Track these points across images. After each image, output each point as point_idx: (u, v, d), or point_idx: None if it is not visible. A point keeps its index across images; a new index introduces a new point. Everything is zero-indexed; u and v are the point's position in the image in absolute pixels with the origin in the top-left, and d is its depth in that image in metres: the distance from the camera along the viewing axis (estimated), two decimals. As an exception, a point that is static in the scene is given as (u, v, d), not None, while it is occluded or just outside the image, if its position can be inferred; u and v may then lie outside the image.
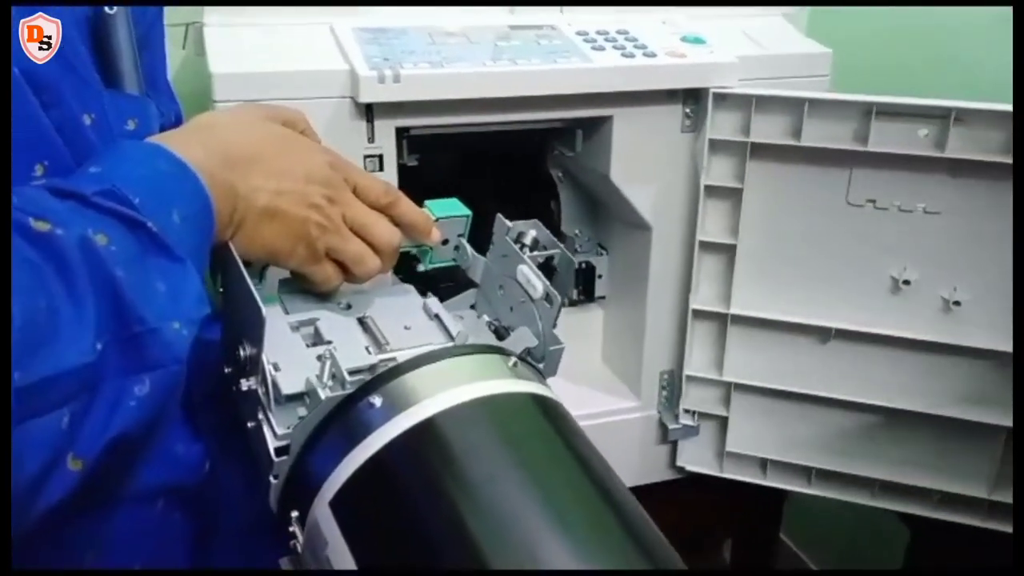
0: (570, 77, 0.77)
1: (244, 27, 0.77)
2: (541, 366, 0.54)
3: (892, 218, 0.81)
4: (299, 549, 0.45)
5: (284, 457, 0.46)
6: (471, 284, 0.63)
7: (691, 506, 0.98)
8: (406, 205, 0.58)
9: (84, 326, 0.39)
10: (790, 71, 0.85)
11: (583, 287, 1.00)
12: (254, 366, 0.47)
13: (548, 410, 0.48)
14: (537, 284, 0.55)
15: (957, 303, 0.81)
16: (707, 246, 0.87)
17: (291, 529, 0.45)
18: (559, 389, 0.51)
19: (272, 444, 0.46)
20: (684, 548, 0.42)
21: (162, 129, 0.55)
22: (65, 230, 0.39)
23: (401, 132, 0.78)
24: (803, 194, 0.83)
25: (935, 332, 0.83)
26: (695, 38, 0.84)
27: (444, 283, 0.64)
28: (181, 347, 0.43)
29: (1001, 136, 0.74)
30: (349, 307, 0.57)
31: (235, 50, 0.74)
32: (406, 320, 0.56)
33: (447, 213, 0.60)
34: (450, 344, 0.53)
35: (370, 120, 0.75)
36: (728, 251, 0.86)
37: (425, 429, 0.43)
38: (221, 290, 0.52)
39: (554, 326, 0.54)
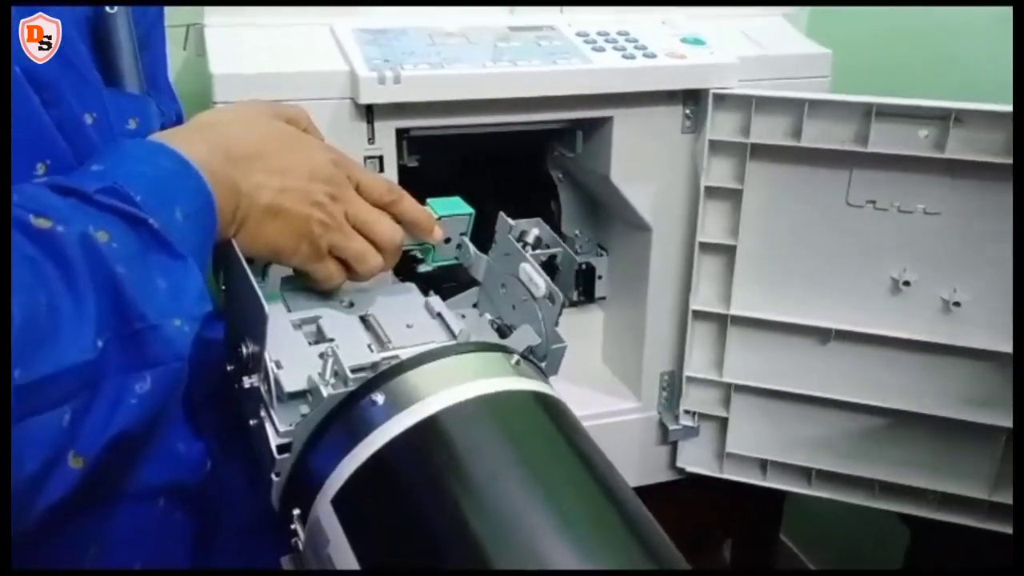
0: (570, 78, 0.78)
1: (244, 28, 0.77)
2: (543, 365, 0.54)
3: (892, 219, 0.81)
4: (301, 547, 0.45)
5: (286, 455, 0.46)
6: (473, 283, 0.63)
7: (691, 506, 0.98)
8: (409, 203, 0.57)
9: (85, 323, 0.39)
10: (790, 72, 0.85)
11: (583, 288, 1.00)
12: (256, 363, 0.47)
13: (550, 408, 0.48)
14: (539, 282, 0.55)
15: (957, 304, 0.81)
16: (707, 247, 0.87)
17: (293, 527, 0.45)
18: (559, 390, 0.51)
19: (274, 442, 0.46)
20: (684, 548, 0.42)
21: (163, 128, 0.55)
22: (66, 227, 0.39)
23: (401, 133, 0.78)
24: (803, 195, 0.83)
25: (935, 333, 0.83)
26: (695, 39, 0.84)
27: (446, 283, 0.64)
28: (182, 344, 0.43)
29: (1001, 137, 0.74)
30: (351, 305, 0.57)
31: (235, 51, 0.74)
32: (408, 318, 0.56)
33: (450, 211, 0.60)
34: (452, 342, 0.53)
35: (370, 121, 0.75)
36: (728, 252, 0.86)
37: (427, 427, 0.43)
38: (224, 288, 0.52)
39: (556, 324, 0.54)
